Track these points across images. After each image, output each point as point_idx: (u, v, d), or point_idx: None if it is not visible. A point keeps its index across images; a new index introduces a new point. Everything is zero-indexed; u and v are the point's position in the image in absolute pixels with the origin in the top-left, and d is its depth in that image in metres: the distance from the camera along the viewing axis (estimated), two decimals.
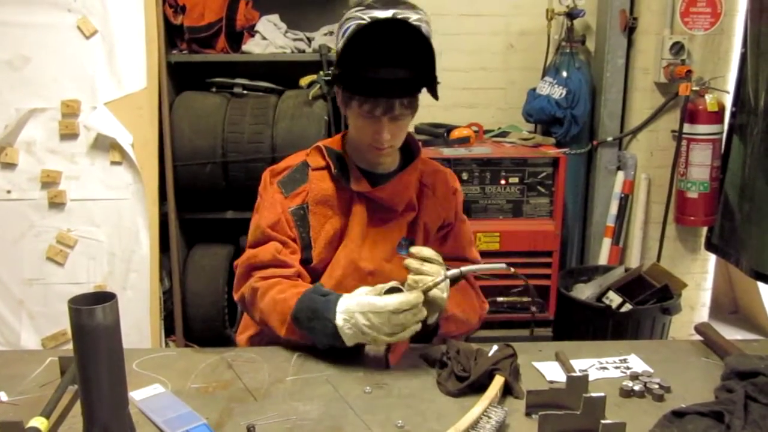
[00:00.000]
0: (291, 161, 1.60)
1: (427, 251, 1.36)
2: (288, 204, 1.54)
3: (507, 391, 1.23)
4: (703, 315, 3.39)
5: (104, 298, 0.86)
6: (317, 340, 1.35)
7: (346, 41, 1.45)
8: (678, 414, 1.12)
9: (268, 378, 1.31)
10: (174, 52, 2.94)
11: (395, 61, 1.39)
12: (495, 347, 1.31)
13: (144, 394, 1.23)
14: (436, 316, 1.40)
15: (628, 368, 1.34)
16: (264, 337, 1.55)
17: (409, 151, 1.62)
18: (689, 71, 3.03)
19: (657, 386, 1.24)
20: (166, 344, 2.84)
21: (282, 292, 1.42)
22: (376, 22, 1.43)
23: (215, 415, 1.18)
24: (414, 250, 1.37)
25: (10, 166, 2.66)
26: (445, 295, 1.35)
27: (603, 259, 3.34)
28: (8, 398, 1.24)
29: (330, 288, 1.46)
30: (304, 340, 1.39)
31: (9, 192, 2.67)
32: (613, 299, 2.81)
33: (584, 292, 3.01)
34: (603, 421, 1.01)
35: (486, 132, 3.33)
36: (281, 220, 1.52)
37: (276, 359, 1.39)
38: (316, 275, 1.54)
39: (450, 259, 1.50)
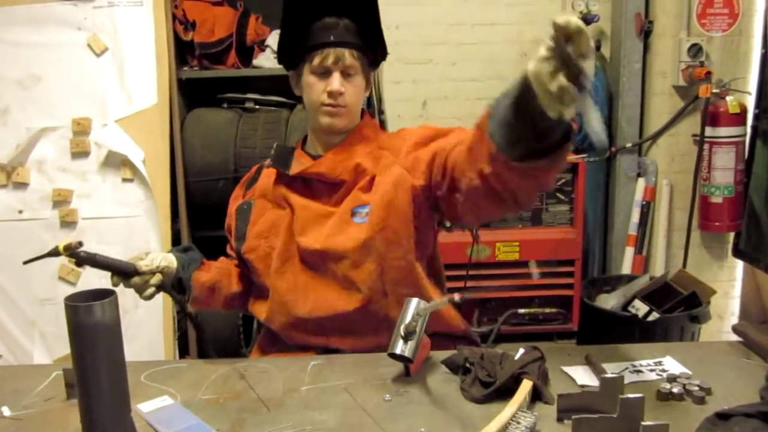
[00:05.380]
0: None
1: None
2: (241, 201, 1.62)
3: (536, 396, 1.16)
4: (732, 324, 3.28)
5: (103, 295, 0.80)
6: None
7: None
8: (722, 416, 1.03)
9: (282, 388, 1.25)
10: (185, 68, 2.92)
11: (337, 9, 1.43)
12: (521, 350, 1.24)
13: (152, 406, 1.18)
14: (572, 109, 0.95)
15: (664, 371, 1.26)
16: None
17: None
18: (708, 73, 2.96)
19: (697, 388, 1.16)
20: None
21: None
22: None
23: (226, 426, 1.11)
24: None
25: (22, 185, 2.63)
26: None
27: (626, 269, 3.24)
28: (11, 413, 1.19)
29: (273, 278, 1.49)
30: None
31: (21, 212, 2.64)
32: (640, 308, 2.72)
33: (608, 302, 2.92)
34: (644, 423, 0.93)
35: None
36: (229, 221, 1.64)
37: (290, 369, 1.33)
38: (250, 266, 1.56)
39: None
